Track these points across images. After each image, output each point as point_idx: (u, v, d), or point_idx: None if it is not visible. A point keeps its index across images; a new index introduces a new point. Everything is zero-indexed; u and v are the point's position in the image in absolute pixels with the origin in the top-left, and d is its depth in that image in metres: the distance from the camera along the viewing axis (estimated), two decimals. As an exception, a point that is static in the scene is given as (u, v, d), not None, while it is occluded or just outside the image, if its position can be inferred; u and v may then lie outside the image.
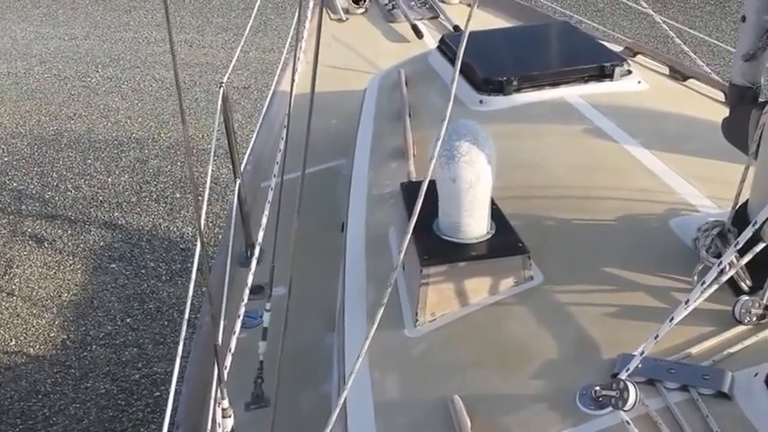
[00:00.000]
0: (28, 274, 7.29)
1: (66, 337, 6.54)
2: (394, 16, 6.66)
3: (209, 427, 2.59)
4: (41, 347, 6.43)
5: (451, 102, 2.05)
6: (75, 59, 12.14)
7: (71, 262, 7.45)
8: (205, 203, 3.69)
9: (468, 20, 2.10)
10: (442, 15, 6.60)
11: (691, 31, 7.00)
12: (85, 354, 6.34)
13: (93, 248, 7.64)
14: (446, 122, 2.08)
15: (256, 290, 3.40)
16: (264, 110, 5.33)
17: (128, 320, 6.68)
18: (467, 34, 2.10)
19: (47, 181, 8.84)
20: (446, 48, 4.39)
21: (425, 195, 2.04)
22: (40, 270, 7.36)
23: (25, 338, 6.52)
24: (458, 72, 2.14)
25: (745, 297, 2.23)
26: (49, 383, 6.07)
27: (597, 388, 2.02)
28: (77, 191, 8.61)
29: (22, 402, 5.89)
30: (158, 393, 5.94)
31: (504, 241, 2.66)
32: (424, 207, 2.02)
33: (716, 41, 6.85)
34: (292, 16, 6.89)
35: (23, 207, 8.38)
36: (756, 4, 2.35)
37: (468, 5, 6.68)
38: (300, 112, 2.80)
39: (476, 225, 2.65)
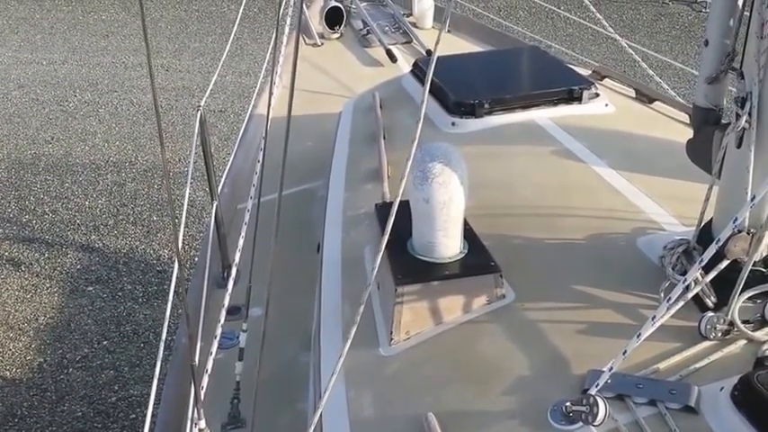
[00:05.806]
0: (5, 298, 7.25)
1: (42, 360, 6.51)
2: (368, 41, 6.71)
3: None
4: (18, 371, 6.39)
5: (421, 122, 2.10)
6: (53, 84, 12.09)
7: (48, 285, 7.42)
8: (182, 225, 3.70)
9: (437, 44, 2.15)
10: (415, 40, 6.64)
11: (656, 55, 7.10)
12: (62, 377, 6.31)
13: (69, 271, 7.61)
14: (416, 144, 2.13)
15: (233, 311, 3.41)
16: (241, 133, 5.34)
17: (104, 343, 6.65)
18: (435, 58, 2.16)
19: (24, 204, 8.79)
20: (419, 72, 4.44)
21: (400, 216, 2.09)
22: (17, 293, 7.32)
23: (1, 362, 6.48)
24: (427, 93, 2.20)
25: (710, 313, 2.28)
26: (26, 407, 6.04)
27: (568, 404, 2.05)
28: (55, 214, 8.58)
29: (-2, 426, 5.87)
30: (134, 416, 5.92)
31: (477, 260, 2.70)
32: (398, 227, 2.07)
33: (681, 65, 6.96)
34: (268, 41, 6.91)
35: (0, 230, 8.34)
36: (718, 29, 2.43)
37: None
38: (277, 135, 2.84)
39: (449, 245, 2.69)
